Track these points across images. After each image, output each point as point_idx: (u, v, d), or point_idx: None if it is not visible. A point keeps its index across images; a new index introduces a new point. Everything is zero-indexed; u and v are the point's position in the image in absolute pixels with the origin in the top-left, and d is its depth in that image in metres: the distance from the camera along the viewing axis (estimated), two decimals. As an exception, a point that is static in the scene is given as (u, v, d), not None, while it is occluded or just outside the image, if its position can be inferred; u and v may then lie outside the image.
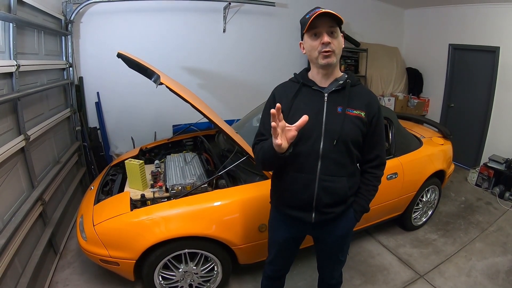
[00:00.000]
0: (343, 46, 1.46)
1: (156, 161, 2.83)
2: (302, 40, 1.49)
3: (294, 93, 1.51)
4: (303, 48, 1.49)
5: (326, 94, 1.47)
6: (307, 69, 1.58)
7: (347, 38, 5.25)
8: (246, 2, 4.24)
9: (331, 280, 1.85)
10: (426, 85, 5.81)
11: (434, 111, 5.65)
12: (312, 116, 1.44)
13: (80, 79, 3.77)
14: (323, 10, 1.32)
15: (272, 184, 1.69)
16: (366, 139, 1.52)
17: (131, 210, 2.11)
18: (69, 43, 3.49)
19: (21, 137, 2.27)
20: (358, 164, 1.61)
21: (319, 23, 1.35)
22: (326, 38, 1.35)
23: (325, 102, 1.46)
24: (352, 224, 1.65)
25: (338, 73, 1.52)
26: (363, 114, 1.47)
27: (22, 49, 2.47)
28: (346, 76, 1.52)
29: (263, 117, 1.64)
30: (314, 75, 1.52)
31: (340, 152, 1.46)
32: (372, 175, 1.61)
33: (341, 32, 1.44)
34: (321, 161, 1.45)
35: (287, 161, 1.48)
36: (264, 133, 1.59)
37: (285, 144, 1.30)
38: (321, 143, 1.44)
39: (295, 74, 1.61)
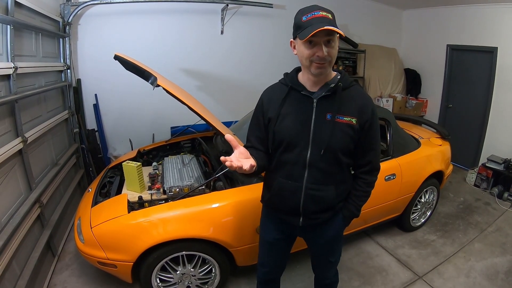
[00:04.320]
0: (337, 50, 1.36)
1: (154, 163, 2.83)
2: (294, 39, 1.37)
3: (282, 98, 1.45)
4: (294, 48, 1.38)
5: (315, 100, 1.40)
6: (298, 70, 1.50)
7: (345, 39, 5.25)
8: (244, 4, 4.24)
9: (325, 280, 1.86)
10: (424, 86, 5.82)
11: (433, 112, 5.65)
12: (300, 123, 1.41)
13: (78, 81, 3.76)
14: (324, 28, 1.18)
15: (263, 185, 1.68)
16: (358, 144, 1.45)
17: (129, 212, 2.11)
18: (67, 45, 3.48)
19: (19, 139, 2.26)
20: (351, 168, 1.57)
21: (317, 33, 1.20)
22: (323, 53, 1.25)
23: (314, 109, 1.40)
24: (341, 228, 1.64)
25: (330, 76, 1.43)
26: (354, 120, 1.38)
27: (20, 51, 2.47)
28: (338, 77, 1.44)
29: (251, 124, 1.60)
30: (304, 79, 1.44)
31: (327, 161, 1.41)
32: (363, 180, 1.56)
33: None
34: (308, 170, 1.43)
35: (276, 167, 1.50)
36: (250, 139, 1.57)
37: (246, 164, 1.20)
38: (308, 152, 1.40)
39: (285, 74, 1.55)
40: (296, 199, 1.47)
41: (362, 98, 1.45)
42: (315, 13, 1.24)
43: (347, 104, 1.40)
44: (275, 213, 1.62)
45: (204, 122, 2.26)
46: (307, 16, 1.26)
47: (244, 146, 1.52)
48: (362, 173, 1.55)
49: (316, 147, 1.39)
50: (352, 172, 1.59)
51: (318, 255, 1.77)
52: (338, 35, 1.28)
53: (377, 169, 1.58)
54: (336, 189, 1.48)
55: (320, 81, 1.42)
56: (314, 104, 1.41)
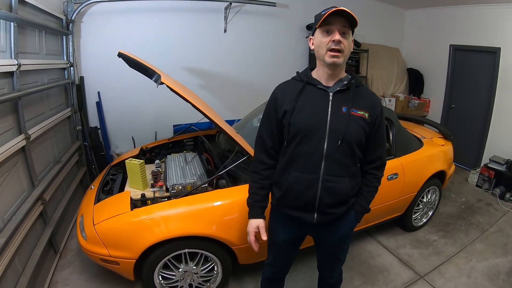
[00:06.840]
0: (352, 50, 1.46)
1: (157, 161, 2.83)
2: (313, 35, 1.47)
3: (298, 92, 1.49)
4: (312, 44, 1.48)
5: (331, 94, 1.46)
6: (311, 68, 1.57)
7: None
8: (247, 2, 4.24)
9: (331, 279, 1.86)
10: (427, 86, 5.81)
11: (435, 112, 5.64)
12: (317, 115, 1.45)
13: (81, 78, 3.77)
14: (340, 8, 1.31)
15: (273, 185, 1.66)
16: (368, 140, 1.52)
17: (131, 209, 2.11)
18: (70, 43, 3.49)
19: (22, 136, 2.27)
20: (359, 165, 1.60)
21: (333, 20, 1.34)
22: (337, 36, 1.34)
23: (330, 102, 1.45)
24: (353, 225, 1.65)
25: (342, 74, 1.52)
26: (366, 115, 1.46)
27: (23, 49, 2.47)
28: (350, 76, 1.52)
29: (262, 119, 1.63)
30: (319, 74, 1.50)
31: (343, 152, 1.45)
32: (374, 176, 1.61)
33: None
34: (325, 161, 1.44)
35: (290, 160, 1.51)
36: (263, 137, 1.60)
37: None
38: (325, 143, 1.43)
39: (298, 72, 1.59)
40: (312, 192, 1.48)
41: (372, 96, 1.56)
42: (334, 7, 1.33)
43: (359, 100, 1.48)
44: (287, 212, 1.60)
45: (207, 120, 2.27)
46: (327, 10, 1.34)
47: (259, 145, 1.64)
48: (372, 169, 1.61)
49: (333, 138, 1.43)
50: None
51: (328, 253, 1.77)
52: (352, 33, 1.41)
53: (385, 164, 1.66)
54: (350, 181, 1.51)
55: (334, 77, 1.49)
56: (330, 97, 1.46)
